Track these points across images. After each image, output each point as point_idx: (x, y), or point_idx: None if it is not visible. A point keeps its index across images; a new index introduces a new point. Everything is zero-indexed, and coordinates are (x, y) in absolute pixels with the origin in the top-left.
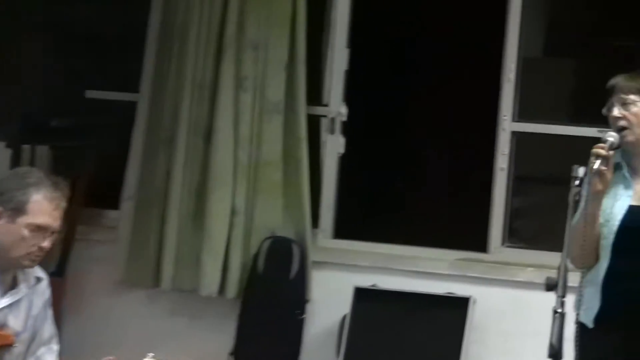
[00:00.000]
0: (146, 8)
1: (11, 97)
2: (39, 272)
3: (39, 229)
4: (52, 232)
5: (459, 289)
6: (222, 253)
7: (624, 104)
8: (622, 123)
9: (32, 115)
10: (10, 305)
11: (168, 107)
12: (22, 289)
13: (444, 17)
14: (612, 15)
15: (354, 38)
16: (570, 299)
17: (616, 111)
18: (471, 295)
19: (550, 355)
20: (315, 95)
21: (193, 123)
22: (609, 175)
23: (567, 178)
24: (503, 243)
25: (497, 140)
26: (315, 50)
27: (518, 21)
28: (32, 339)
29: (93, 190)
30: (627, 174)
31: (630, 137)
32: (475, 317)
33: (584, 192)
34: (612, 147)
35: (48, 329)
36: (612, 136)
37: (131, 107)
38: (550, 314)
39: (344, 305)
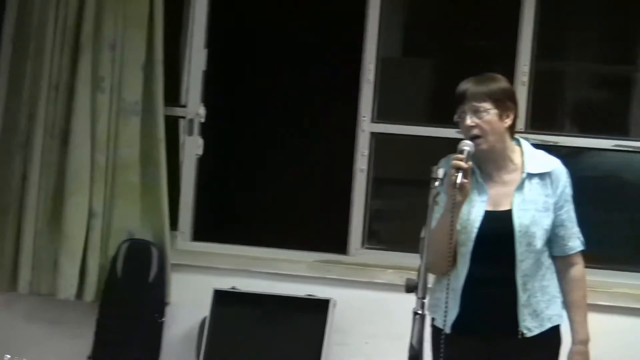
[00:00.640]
0: (1, 7)
1: None
2: None
3: None
4: None
5: (319, 291)
6: (79, 256)
7: (476, 112)
8: (476, 132)
9: None
10: None
11: (24, 109)
12: None
13: (303, 18)
14: (466, 15)
15: (212, 38)
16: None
17: (469, 120)
18: (331, 298)
19: (410, 357)
20: (173, 96)
21: (49, 125)
22: (468, 186)
23: (426, 179)
24: (363, 245)
25: (357, 141)
26: (173, 51)
27: (377, 21)
28: None
29: None
30: (480, 180)
31: (484, 145)
32: (335, 319)
33: (443, 195)
34: (469, 156)
35: None
36: (467, 145)
37: None
38: (410, 315)
39: (203, 308)
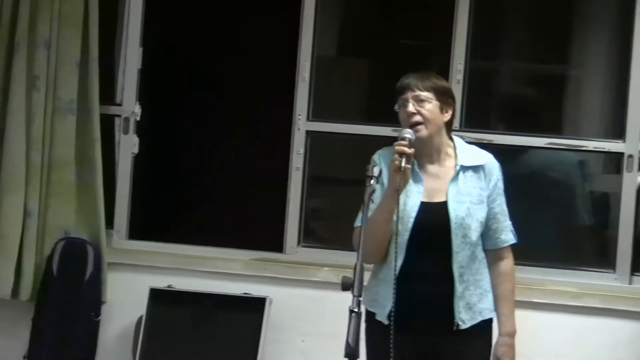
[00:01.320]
0: None
1: None
2: None
3: None
4: None
5: (255, 290)
6: (15, 255)
7: (419, 101)
8: (417, 118)
9: None
10: None
11: None
12: None
13: (239, 16)
14: (401, 15)
15: (147, 37)
16: None
17: (411, 107)
18: (267, 296)
19: (346, 355)
20: (109, 94)
21: None
22: (410, 172)
23: (361, 177)
24: (299, 243)
25: (292, 140)
26: (109, 49)
27: (312, 20)
28: None
29: None
30: (417, 169)
31: (423, 132)
32: (272, 317)
33: (379, 192)
34: (410, 143)
35: None
36: (408, 133)
37: None
38: (346, 313)
39: (139, 307)
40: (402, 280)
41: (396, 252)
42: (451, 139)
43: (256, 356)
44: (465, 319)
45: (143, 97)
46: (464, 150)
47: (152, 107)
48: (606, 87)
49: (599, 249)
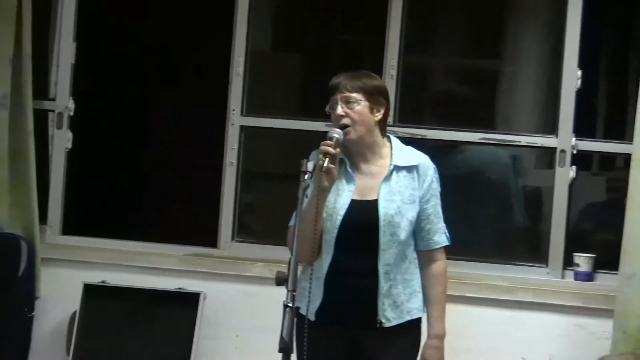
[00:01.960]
0: None
1: None
2: None
3: None
4: None
5: (189, 285)
6: None
7: (348, 102)
8: (345, 121)
9: None
10: None
11: None
12: None
13: (172, 10)
14: (335, 10)
15: (81, 31)
16: None
17: (339, 109)
18: (202, 291)
19: (281, 349)
20: (42, 89)
21: None
22: (335, 172)
23: (296, 173)
24: (233, 238)
25: (226, 135)
26: (42, 44)
27: (246, 15)
28: None
29: None
30: (349, 169)
31: (352, 134)
32: (206, 312)
33: (312, 188)
34: (337, 143)
35: None
36: (337, 133)
37: None
38: (280, 308)
39: (73, 302)
40: (329, 277)
41: (320, 249)
42: (388, 138)
43: (190, 351)
44: (391, 317)
45: (77, 92)
46: (400, 151)
47: (86, 102)
48: (539, 83)
49: (531, 244)
